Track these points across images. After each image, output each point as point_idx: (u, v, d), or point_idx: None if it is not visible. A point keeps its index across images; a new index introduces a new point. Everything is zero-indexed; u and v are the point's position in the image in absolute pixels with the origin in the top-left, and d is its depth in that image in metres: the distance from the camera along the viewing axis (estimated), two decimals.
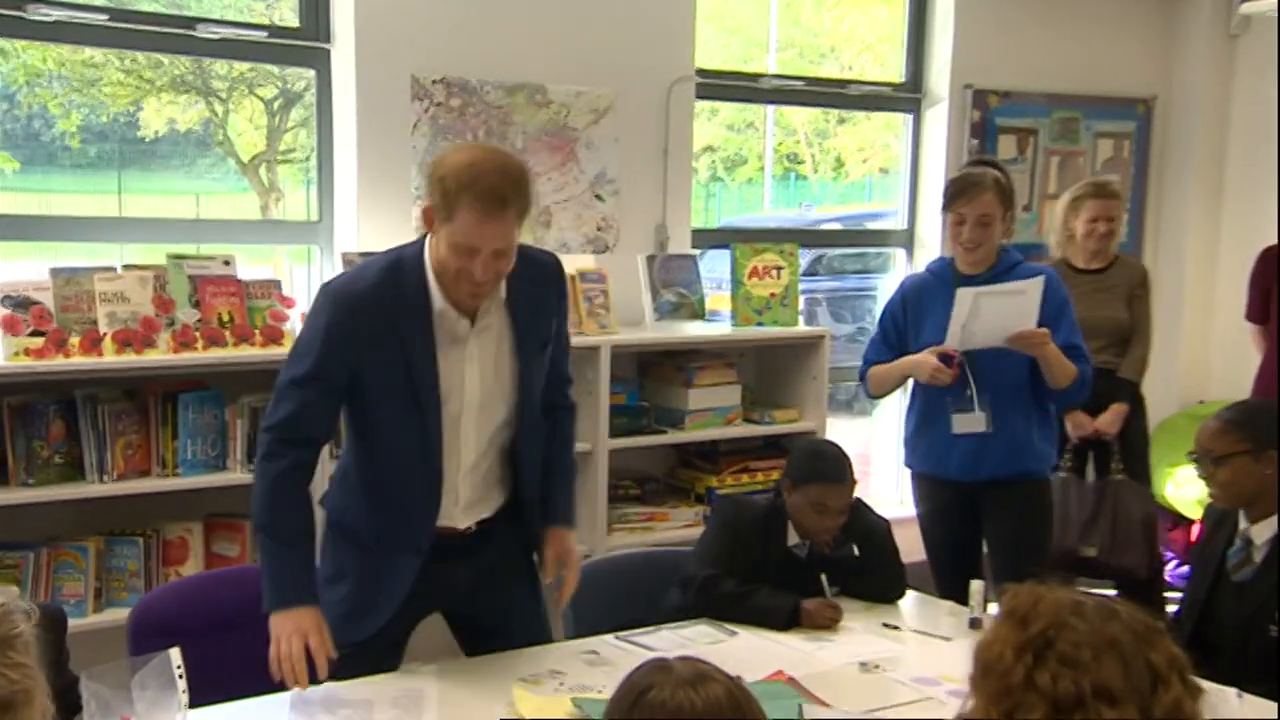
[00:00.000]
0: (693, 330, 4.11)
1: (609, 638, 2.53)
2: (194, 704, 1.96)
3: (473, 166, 2.09)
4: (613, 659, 2.39)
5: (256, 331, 3.30)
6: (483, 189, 2.07)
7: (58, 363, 3.03)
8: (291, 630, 2.12)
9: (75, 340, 3.06)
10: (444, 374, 2.21)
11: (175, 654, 1.70)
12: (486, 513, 2.36)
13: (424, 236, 2.22)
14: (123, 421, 3.17)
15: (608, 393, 3.81)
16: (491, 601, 2.41)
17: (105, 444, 3.13)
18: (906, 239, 5.04)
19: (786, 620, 2.59)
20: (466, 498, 2.32)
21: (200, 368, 3.26)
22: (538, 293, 2.28)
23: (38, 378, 3.06)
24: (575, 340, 3.72)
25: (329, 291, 2.20)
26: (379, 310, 2.17)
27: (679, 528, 4.02)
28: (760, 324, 4.16)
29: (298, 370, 2.20)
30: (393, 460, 2.26)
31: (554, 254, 2.38)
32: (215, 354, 3.23)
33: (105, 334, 3.10)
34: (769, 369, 4.37)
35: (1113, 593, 3.96)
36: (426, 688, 2.22)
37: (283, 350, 3.31)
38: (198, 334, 3.22)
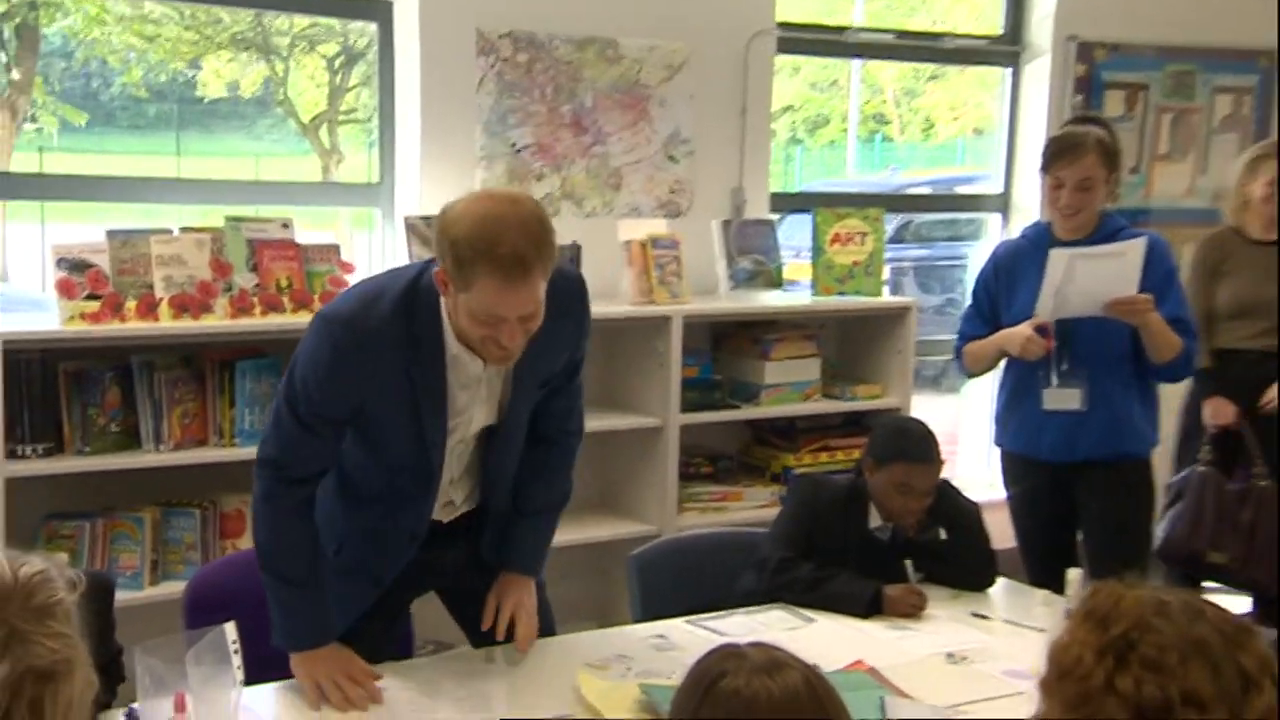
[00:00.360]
0: (770, 300, 4.09)
1: (678, 622, 2.53)
2: (249, 681, 2.01)
3: (486, 229, 1.93)
4: (682, 644, 2.39)
5: (315, 297, 3.33)
6: (503, 255, 1.92)
7: (113, 328, 3.09)
8: (326, 673, 2.09)
9: (131, 305, 3.12)
10: (453, 413, 2.15)
11: (230, 629, 1.73)
12: (469, 508, 2.33)
13: (412, 275, 2.09)
14: (179, 389, 3.23)
15: (679, 365, 3.80)
16: (485, 583, 2.36)
17: (161, 412, 3.19)
18: (1001, 204, 4.95)
19: (867, 607, 2.57)
20: (450, 500, 2.30)
21: (258, 334, 3.30)
22: (554, 325, 2.09)
23: (93, 343, 3.13)
24: (646, 310, 3.78)
25: (334, 323, 2.05)
26: (389, 352, 2.06)
27: (753, 508, 4.00)
28: (842, 294, 4.12)
29: (296, 405, 2.10)
30: (384, 479, 2.20)
31: (580, 275, 2.25)
32: (273, 320, 3.27)
33: (161, 299, 3.16)
34: (851, 342, 4.33)
35: (1248, 601, 3.85)
36: (490, 672, 2.24)
37: None
38: (255, 300, 3.26)
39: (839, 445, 4.16)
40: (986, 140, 5.11)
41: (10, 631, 1.69)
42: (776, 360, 4.03)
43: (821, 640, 2.40)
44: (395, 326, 2.04)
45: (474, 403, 2.16)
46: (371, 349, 2.04)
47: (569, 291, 2.18)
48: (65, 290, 3.08)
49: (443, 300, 2.05)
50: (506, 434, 2.24)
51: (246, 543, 3.36)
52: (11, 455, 3.03)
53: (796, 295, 4.16)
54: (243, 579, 2.49)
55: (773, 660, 1.30)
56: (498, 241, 1.92)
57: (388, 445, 2.16)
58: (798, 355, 4.07)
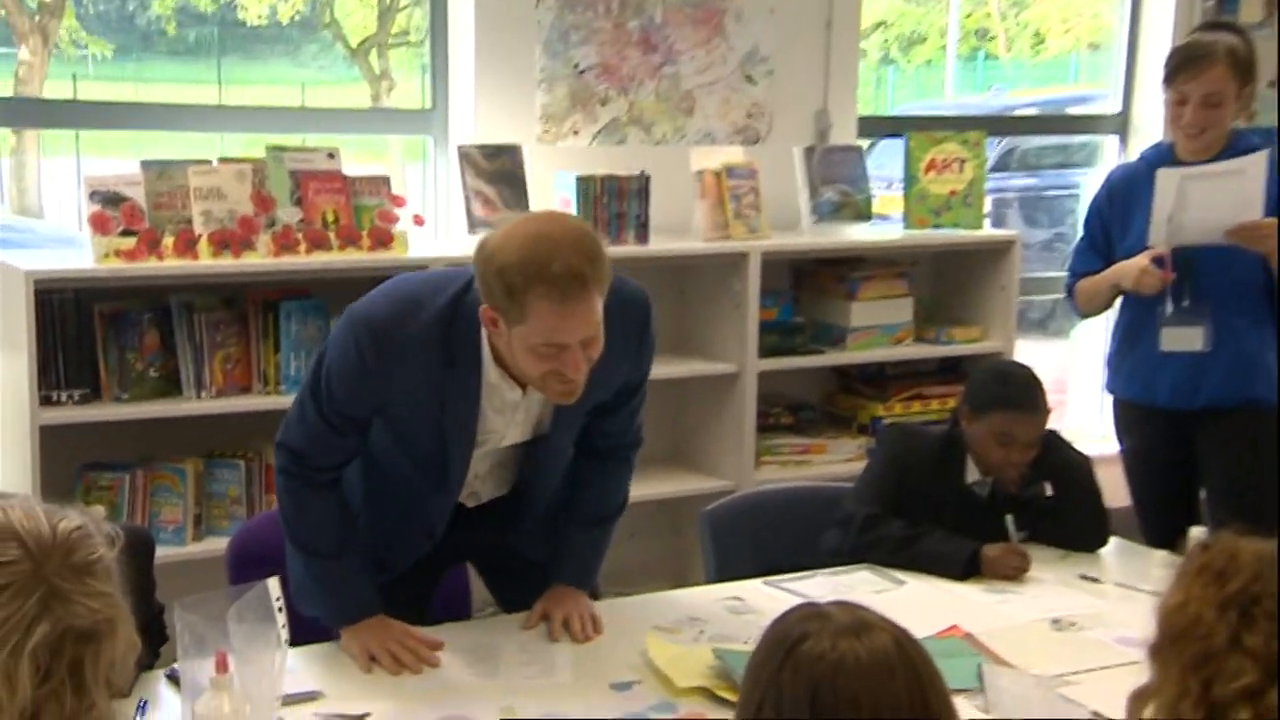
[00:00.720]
0: (857, 234, 4.04)
1: (755, 583, 2.53)
2: (295, 642, 2.04)
3: (536, 249, 1.93)
4: (759, 607, 2.39)
5: (364, 234, 3.35)
6: (558, 273, 1.91)
7: (150, 266, 3.13)
8: (378, 642, 2.12)
9: (169, 241, 3.15)
10: (483, 434, 2.17)
11: (274, 584, 1.74)
12: (498, 494, 2.34)
13: (459, 286, 2.08)
14: (221, 332, 3.27)
15: (757, 307, 3.78)
16: (518, 564, 2.38)
17: (203, 357, 3.24)
18: (1119, 125, 4.82)
19: (963, 568, 2.54)
20: (474, 491, 2.31)
21: (302, 274, 3.32)
22: (611, 350, 2.07)
23: (129, 282, 3.17)
24: (721, 247, 3.74)
25: (364, 327, 2.06)
26: (421, 367, 2.06)
27: (837, 462, 3.98)
28: (938, 226, 4.06)
29: (320, 401, 2.13)
30: (406, 468, 2.23)
31: (644, 293, 2.22)
32: (318, 259, 3.29)
33: (200, 235, 3.18)
34: (947, 280, 4.27)
35: None
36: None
37: (393, 257, 3.36)
38: (300, 236, 3.28)
39: (933, 394, 4.12)
40: (1103, 55, 4.97)
41: (49, 590, 1.73)
42: (864, 301, 3.98)
43: (912, 604, 2.38)
44: (431, 342, 2.05)
45: (509, 425, 2.19)
46: (402, 360, 2.05)
47: (630, 312, 2.16)
48: (99, 225, 3.12)
49: (485, 334, 2.05)
50: (546, 453, 2.25)
51: None
52: (45, 402, 3.09)
53: (887, 229, 4.11)
54: None
55: (860, 621, 1.28)
56: (550, 260, 1.92)
57: (409, 442, 2.19)
58: (888, 295, 4.03)
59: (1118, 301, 3.24)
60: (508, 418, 2.17)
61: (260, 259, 3.23)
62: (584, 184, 3.61)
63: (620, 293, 2.08)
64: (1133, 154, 4.55)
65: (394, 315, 2.07)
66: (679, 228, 3.83)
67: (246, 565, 2.38)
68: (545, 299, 1.92)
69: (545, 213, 2.02)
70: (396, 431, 2.19)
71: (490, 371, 2.10)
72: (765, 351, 3.84)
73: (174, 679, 1.97)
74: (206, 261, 3.18)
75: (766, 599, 2.42)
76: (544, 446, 2.24)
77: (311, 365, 2.17)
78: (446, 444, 2.15)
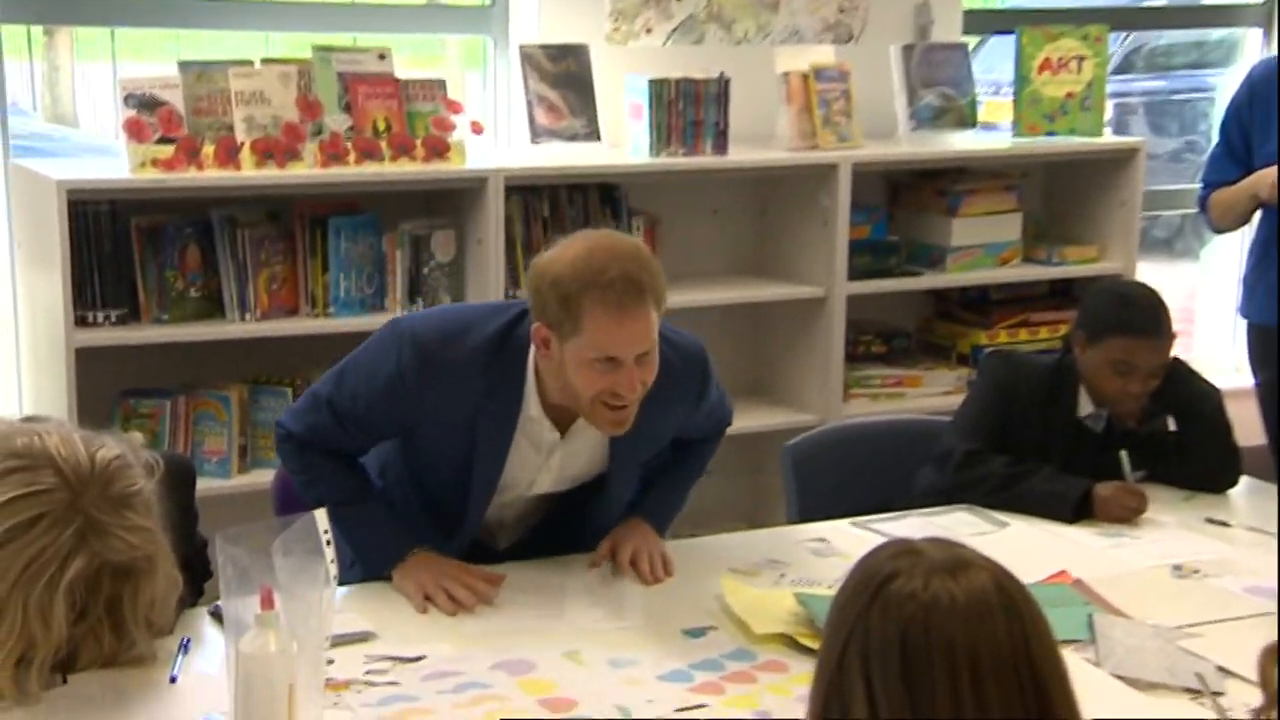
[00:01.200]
0: (960, 143, 3.98)
1: (842, 523, 2.54)
2: (344, 580, 2.08)
3: (591, 258, 2.05)
4: (846, 549, 2.39)
5: (418, 143, 3.36)
6: (613, 279, 2.02)
7: (190, 176, 3.16)
8: (434, 579, 2.16)
9: (209, 150, 3.18)
10: (510, 472, 2.24)
11: (321, 515, 1.77)
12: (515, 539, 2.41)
13: (509, 318, 2.19)
14: (265, 249, 3.31)
15: (847, 224, 3.75)
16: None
17: (246, 276, 3.28)
18: (1264, 16, 4.69)
19: (1074, 509, 2.53)
20: (491, 535, 2.39)
21: (352, 186, 3.34)
22: (671, 400, 2.21)
23: (168, 194, 3.20)
24: (808, 157, 3.71)
25: (409, 341, 2.16)
26: (463, 389, 2.15)
27: (934, 395, 3.96)
28: (1051, 134, 4.00)
29: (337, 404, 2.21)
30: (416, 496, 2.31)
31: (701, 345, 2.32)
32: (369, 169, 3.30)
33: (243, 143, 3.21)
34: (1061, 194, 4.21)
35: None
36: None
37: (449, 168, 3.37)
38: (349, 145, 3.30)
39: (1042, 320, 4.09)
40: None
41: (87, 522, 1.77)
42: (967, 217, 3.94)
43: (1017, 548, 2.37)
44: (475, 369, 2.15)
45: (540, 470, 2.26)
46: (441, 382, 2.15)
47: (686, 368, 2.26)
48: (135, 131, 3.15)
49: (532, 360, 2.16)
50: (603, 505, 2.32)
51: None
52: (81, 323, 3.15)
53: (994, 137, 4.06)
54: None
55: (956, 558, 1.27)
56: (605, 267, 2.04)
57: (428, 474, 2.27)
58: (994, 210, 3.98)
59: (1256, 216, 3.17)
60: (540, 461, 2.24)
61: (306, 170, 3.25)
62: (657, 88, 3.58)
63: (674, 344, 2.21)
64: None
65: (443, 335, 2.17)
66: (761, 137, 3.80)
67: (295, 500, 2.42)
68: (600, 305, 2.03)
69: (597, 231, 2.17)
70: (417, 461, 2.27)
71: (531, 405, 2.18)
72: (855, 273, 3.81)
73: (218, 616, 2.02)
74: (249, 172, 3.21)
75: (854, 541, 2.43)
76: (600, 498, 2.32)
77: (337, 365, 2.26)
78: (470, 479, 2.22)
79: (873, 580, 1.28)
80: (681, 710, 1.84)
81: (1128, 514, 2.53)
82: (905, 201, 4.07)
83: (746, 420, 3.83)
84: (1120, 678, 1.92)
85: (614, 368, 2.07)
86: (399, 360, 2.15)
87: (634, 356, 2.07)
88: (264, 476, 3.31)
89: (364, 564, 2.24)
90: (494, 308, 2.27)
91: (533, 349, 2.16)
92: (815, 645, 1.92)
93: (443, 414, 2.17)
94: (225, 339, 3.32)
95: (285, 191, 3.31)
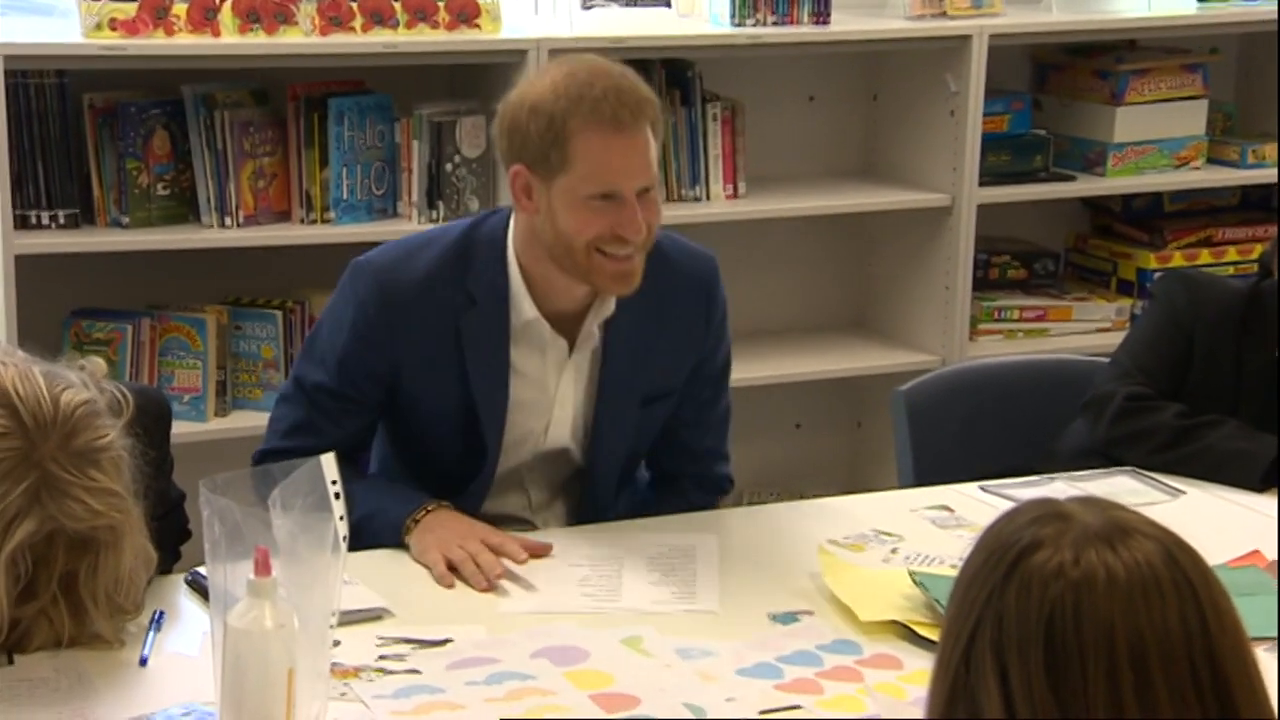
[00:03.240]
0: (1129, 9, 3.95)
1: (969, 488, 2.56)
2: (356, 545, 2.12)
3: (572, 79, 2.18)
4: (974, 519, 2.41)
5: (441, 5, 3.37)
6: (604, 93, 2.15)
7: (157, 43, 3.18)
8: (459, 541, 2.21)
9: (180, 10, 3.20)
10: (520, 396, 2.33)
11: (329, 461, 1.80)
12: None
13: (502, 214, 2.34)
14: (250, 137, 3.34)
15: (980, 113, 3.74)
16: None
17: (226, 170, 3.31)
18: None
19: (1265, 473, 2.53)
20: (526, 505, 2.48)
21: (357, 59, 3.36)
22: (662, 315, 2.32)
23: (129, 65, 3.23)
24: (930, 26, 3.69)
25: (362, 269, 2.31)
26: (433, 308, 2.27)
27: (1087, 332, 3.98)
28: None
29: (308, 373, 2.34)
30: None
31: (710, 254, 2.43)
32: (379, 37, 3.32)
33: (223, 2, 3.22)
34: (1259, 76, 4.19)
35: None
36: (698, 544, 2.31)
37: (481, 37, 3.39)
38: (355, 7, 3.31)
39: (1232, 238, 4.08)
40: None
41: (42, 478, 1.80)
42: (1135, 105, 3.94)
43: (1194, 521, 2.30)
44: (443, 278, 2.28)
45: (554, 403, 2.35)
46: (410, 306, 2.27)
47: (690, 272, 2.38)
48: None
49: (512, 254, 2.28)
50: (597, 458, 2.40)
51: None
52: (22, 225, 3.21)
53: (1175, 2, 4.01)
54: None
55: (1114, 524, 1.27)
56: (591, 83, 2.17)
57: (429, 439, 2.35)
58: (1170, 96, 3.98)
59: None
60: (549, 387, 2.32)
61: (302, 37, 3.27)
62: None
63: (679, 244, 2.37)
64: None
65: (399, 255, 2.32)
66: (873, 1, 3.78)
67: None
68: (593, 128, 2.15)
69: (574, 57, 2.29)
70: (413, 431, 2.36)
71: (524, 305, 2.28)
72: (989, 177, 3.80)
73: (197, 585, 2.08)
74: (230, 39, 3.22)
75: (983, 509, 2.43)
76: (593, 452, 2.39)
77: (303, 346, 2.39)
78: (477, 423, 2.30)
79: (1009, 552, 1.29)
80: (768, 712, 1.87)
81: None
82: (1055, 85, 4.05)
83: (847, 360, 3.86)
84: None
85: (613, 206, 2.17)
86: (356, 296, 2.28)
87: (635, 191, 2.17)
88: (247, 420, 3.38)
89: (379, 529, 2.28)
90: (452, 223, 2.44)
91: (510, 242, 2.28)
92: (933, 635, 1.97)
93: (422, 346, 2.27)
94: (200, 248, 3.36)
95: (275, 64, 3.33)
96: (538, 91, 2.20)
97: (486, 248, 2.30)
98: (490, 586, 2.17)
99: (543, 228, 2.23)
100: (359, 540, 2.28)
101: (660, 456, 2.52)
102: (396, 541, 2.27)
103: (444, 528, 2.25)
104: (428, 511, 2.27)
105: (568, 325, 2.32)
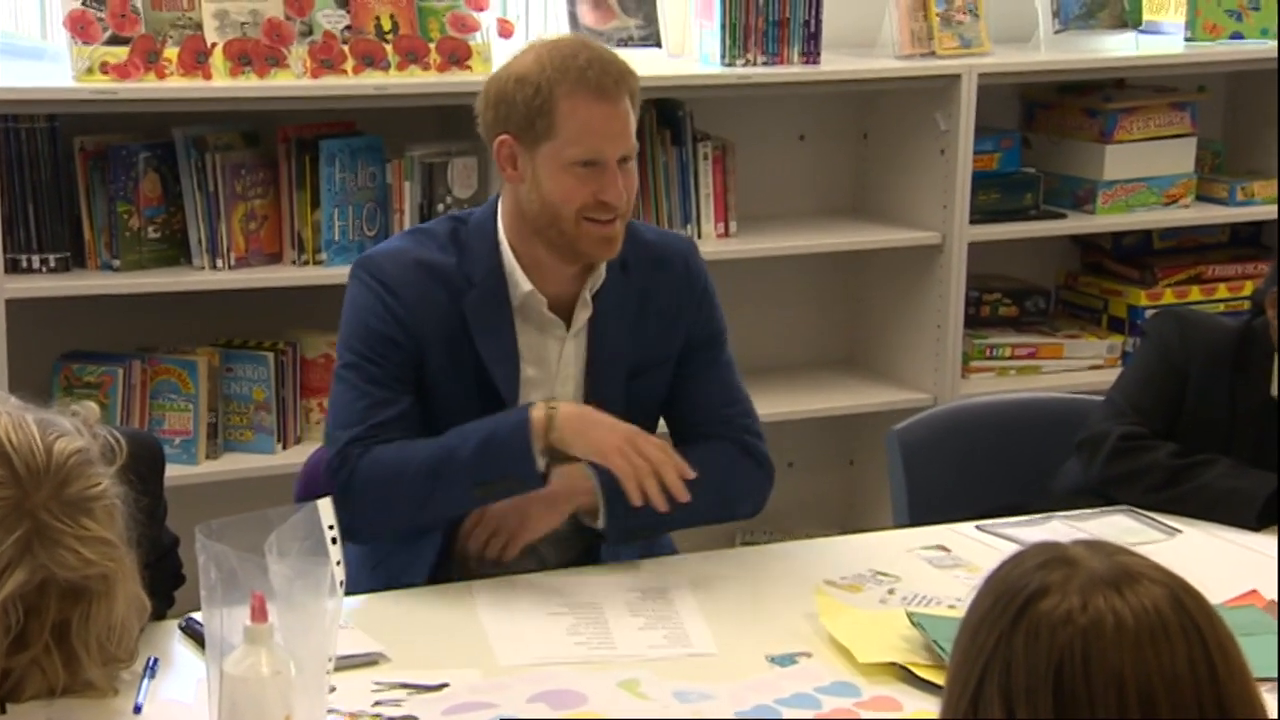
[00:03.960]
0: (1117, 48, 3.98)
1: (965, 527, 2.56)
2: (352, 589, 2.11)
3: (554, 51, 2.32)
4: (970, 559, 2.42)
5: (431, 48, 3.38)
6: (588, 61, 2.30)
7: (148, 86, 3.19)
8: (625, 440, 2.26)
9: (171, 54, 3.20)
10: (530, 369, 2.40)
11: (326, 506, 1.80)
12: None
13: (489, 202, 2.45)
14: (241, 179, 3.33)
15: (970, 151, 3.75)
16: None
17: (217, 212, 3.31)
18: None
19: (1262, 511, 2.53)
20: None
21: (349, 101, 3.37)
22: (650, 290, 2.43)
23: (120, 108, 3.24)
24: (922, 66, 3.70)
25: (368, 260, 2.43)
26: (439, 290, 2.37)
27: (1079, 370, 3.98)
28: (1237, 36, 3.98)
29: (359, 368, 2.37)
30: None
31: (686, 236, 2.53)
32: (371, 80, 3.32)
33: (214, 45, 3.23)
34: (1247, 114, 4.21)
35: None
36: (674, 585, 2.31)
37: (471, 78, 3.38)
38: (346, 49, 3.32)
39: (1223, 276, 4.09)
40: None
41: (34, 527, 1.80)
42: (1125, 143, 3.95)
43: (1190, 561, 2.29)
44: (442, 264, 2.38)
45: (553, 383, 2.41)
46: (418, 287, 2.36)
47: (666, 246, 2.50)
48: (79, 28, 3.18)
49: (499, 220, 2.38)
50: None
51: None
52: (12, 269, 3.20)
53: (1162, 41, 4.04)
54: None
55: (1121, 569, 1.28)
56: (575, 54, 2.31)
57: (449, 418, 2.35)
58: (1159, 135, 3.99)
59: None
60: (552, 364, 2.40)
61: (293, 80, 3.27)
62: None
63: (654, 239, 2.49)
64: None
65: (399, 246, 2.45)
66: (863, 41, 3.80)
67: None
68: (578, 94, 2.27)
69: (560, 35, 2.45)
70: (434, 407, 2.38)
71: (520, 279, 2.36)
72: (980, 215, 3.81)
73: (191, 631, 2.06)
74: (221, 82, 3.23)
75: (980, 549, 2.45)
76: None
77: (339, 351, 2.43)
78: (498, 400, 2.35)
79: (1016, 597, 1.29)
80: None
81: None
82: (1046, 123, 4.06)
83: (840, 398, 3.85)
84: None
85: (596, 173, 2.29)
86: (367, 286, 2.38)
87: (617, 159, 2.29)
88: (238, 463, 3.37)
89: (523, 474, 2.29)
90: (444, 216, 2.56)
91: (500, 223, 2.37)
92: (933, 677, 1.97)
93: (435, 327, 2.35)
94: (191, 291, 3.35)
95: (266, 107, 3.33)
96: (523, 64, 2.32)
97: (476, 232, 2.40)
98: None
99: (528, 197, 2.33)
100: (375, 570, 2.35)
101: (686, 414, 2.50)
102: (526, 459, 2.27)
103: (592, 425, 2.29)
104: (550, 410, 2.29)
105: (561, 306, 2.39)
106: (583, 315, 2.40)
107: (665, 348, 2.46)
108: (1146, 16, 4.05)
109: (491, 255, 2.38)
